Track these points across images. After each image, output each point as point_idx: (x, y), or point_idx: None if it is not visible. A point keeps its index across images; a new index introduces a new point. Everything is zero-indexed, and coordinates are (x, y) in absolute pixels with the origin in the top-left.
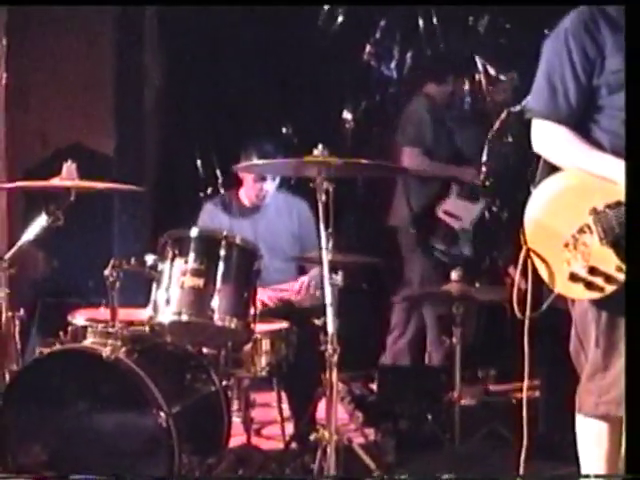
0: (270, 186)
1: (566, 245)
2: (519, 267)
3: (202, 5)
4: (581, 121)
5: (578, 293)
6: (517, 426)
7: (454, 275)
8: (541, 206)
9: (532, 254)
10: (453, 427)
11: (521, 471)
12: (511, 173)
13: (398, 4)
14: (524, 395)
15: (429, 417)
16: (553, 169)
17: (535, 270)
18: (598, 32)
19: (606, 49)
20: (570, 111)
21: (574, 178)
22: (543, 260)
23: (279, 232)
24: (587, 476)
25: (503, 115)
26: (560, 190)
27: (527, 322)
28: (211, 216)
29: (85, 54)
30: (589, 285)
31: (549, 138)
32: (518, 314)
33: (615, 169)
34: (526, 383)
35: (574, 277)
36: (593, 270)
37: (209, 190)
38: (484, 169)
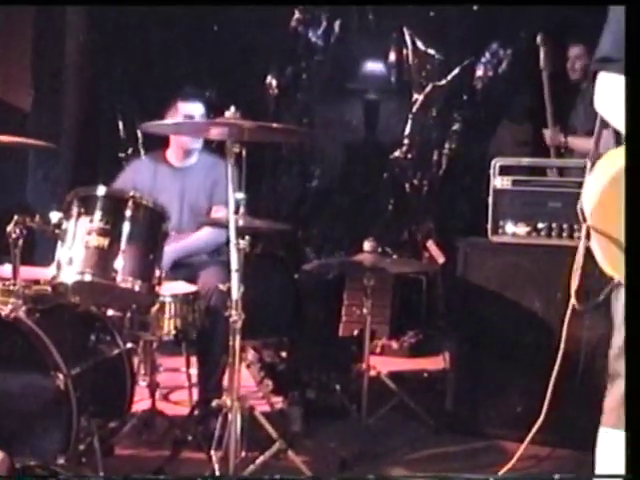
0: (197, 145)
1: None
2: (580, 248)
3: None
4: None
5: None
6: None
7: (367, 246)
8: (606, 180)
9: (593, 233)
10: (361, 398)
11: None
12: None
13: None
14: None
15: (337, 387)
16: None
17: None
18: None
19: None
20: None
21: None
22: (604, 241)
23: (199, 192)
24: (588, 477)
25: (428, 89)
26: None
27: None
28: (135, 173)
29: (3, 6)
30: None
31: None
32: (576, 305)
33: None
34: None
35: None
36: None
37: (129, 150)
38: (406, 142)
